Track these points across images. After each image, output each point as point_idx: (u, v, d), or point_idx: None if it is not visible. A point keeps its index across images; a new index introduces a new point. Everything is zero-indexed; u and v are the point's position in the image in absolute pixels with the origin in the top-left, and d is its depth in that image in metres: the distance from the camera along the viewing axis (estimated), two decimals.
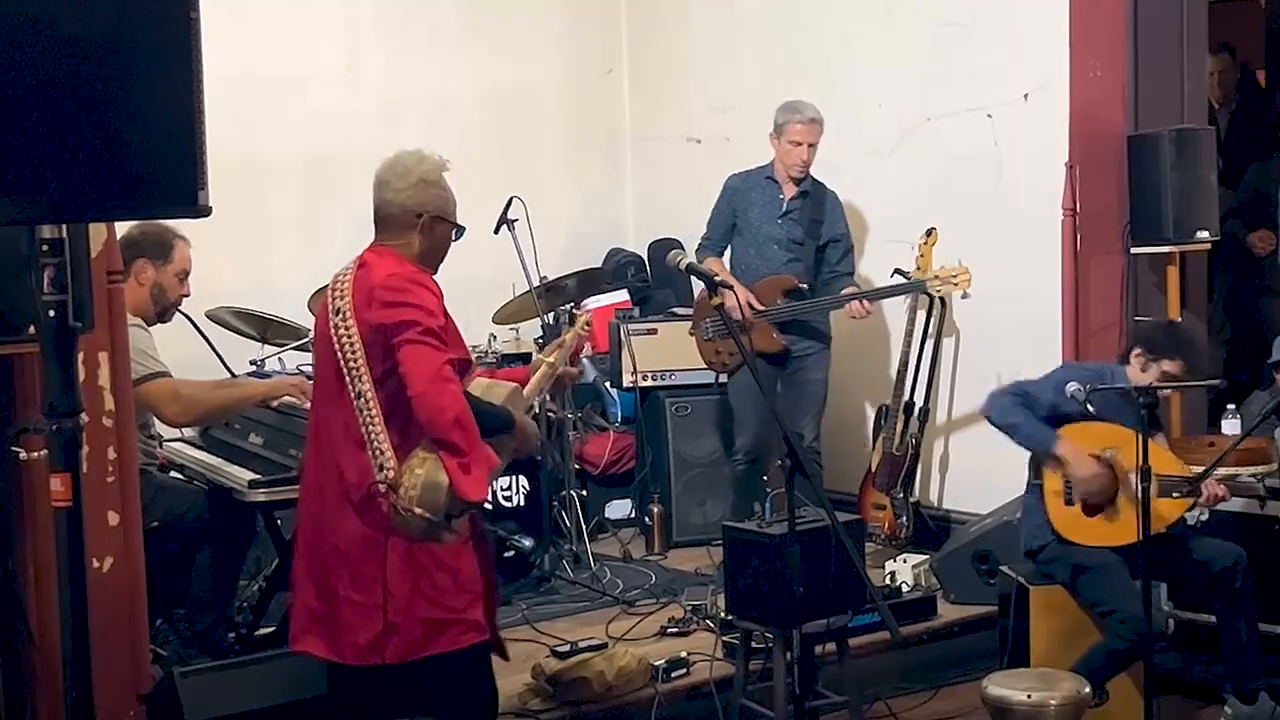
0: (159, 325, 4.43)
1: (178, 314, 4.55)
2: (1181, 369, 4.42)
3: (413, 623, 3.23)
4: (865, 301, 5.40)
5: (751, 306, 5.43)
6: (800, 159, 5.51)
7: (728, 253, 5.70)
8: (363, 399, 3.18)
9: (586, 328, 3.84)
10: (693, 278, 5.03)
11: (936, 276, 5.36)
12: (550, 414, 5.74)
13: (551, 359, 3.65)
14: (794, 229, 5.56)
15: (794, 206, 5.58)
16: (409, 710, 3.45)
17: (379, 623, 3.23)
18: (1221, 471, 4.50)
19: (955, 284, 5.34)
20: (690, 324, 5.90)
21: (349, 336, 3.21)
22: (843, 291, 5.48)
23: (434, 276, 3.38)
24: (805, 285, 5.50)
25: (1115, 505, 4.41)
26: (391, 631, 3.23)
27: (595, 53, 7.50)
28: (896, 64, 6.07)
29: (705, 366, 5.83)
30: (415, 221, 3.32)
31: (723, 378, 5.80)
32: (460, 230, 3.42)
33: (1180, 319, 4.68)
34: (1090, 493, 4.37)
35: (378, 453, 3.15)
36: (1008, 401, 4.42)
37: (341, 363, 3.22)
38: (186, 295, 4.45)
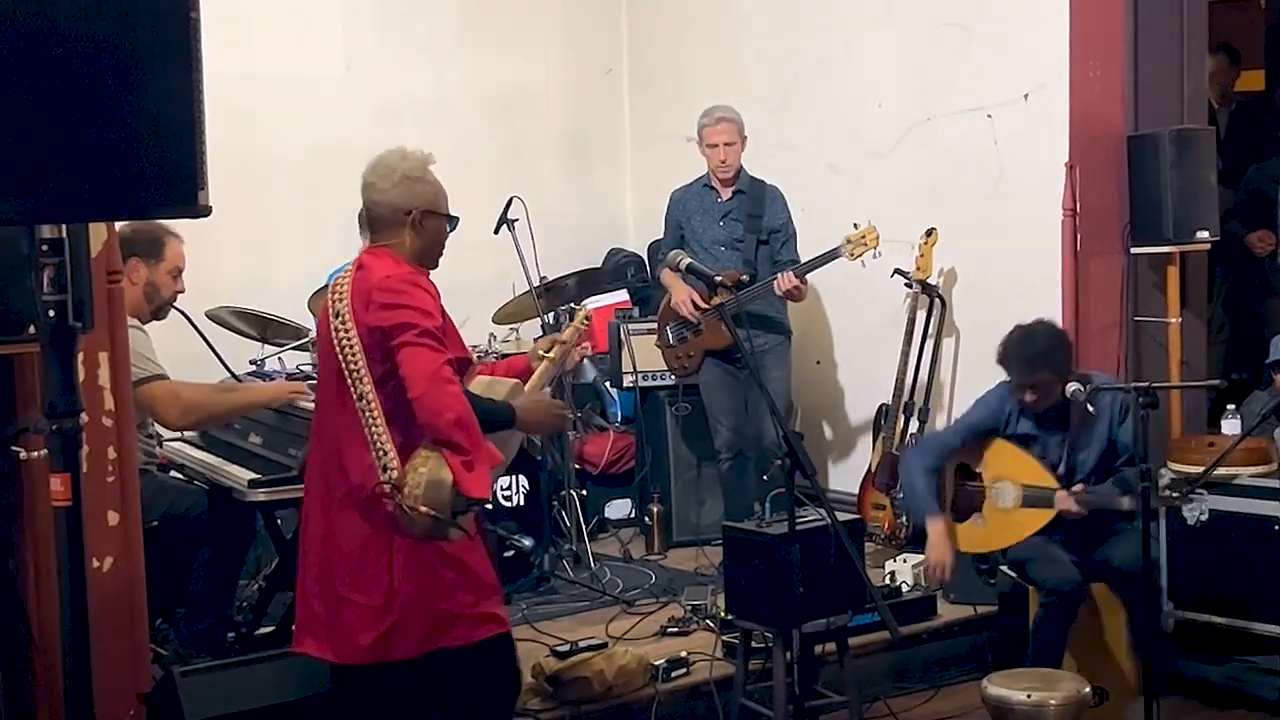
0: (156, 324, 4.43)
1: (179, 316, 4.55)
2: (1012, 376, 4.51)
3: (419, 619, 3.24)
4: (791, 275, 5.41)
5: (695, 303, 5.51)
6: (720, 159, 5.59)
7: None
8: (364, 400, 3.19)
9: (586, 322, 3.85)
10: (692, 277, 5.06)
11: (848, 241, 5.42)
12: None
13: (552, 354, 3.65)
14: (735, 228, 5.64)
15: (731, 207, 5.66)
16: (424, 706, 3.45)
17: (382, 624, 3.23)
18: (1222, 471, 4.51)
19: (866, 245, 5.39)
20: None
21: (348, 339, 3.22)
22: None
23: (434, 273, 3.38)
24: (746, 276, 5.53)
25: (981, 514, 4.59)
26: (396, 631, 3.24)
27: (595, 53, 7.50)
28: (896, 64, 6.07)
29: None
30: (405, 219, 3.32)
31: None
32: (454, 221, 3.42)
33: (1024, 324, 4.62)
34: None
35: (381, 453, 3.15)
36: (909, 462, 4.74)
37: (342, 365, 3.23)
38: (181, 292, 4.45)
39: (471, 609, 3.29)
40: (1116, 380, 4.61)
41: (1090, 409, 4.50)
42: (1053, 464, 4.54)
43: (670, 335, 5.82)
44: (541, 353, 3.67)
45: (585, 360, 5.92)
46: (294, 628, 3.45)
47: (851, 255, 5.44)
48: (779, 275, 5.43)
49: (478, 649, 3.32)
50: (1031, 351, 4.45)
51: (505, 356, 5.82)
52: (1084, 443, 4.56)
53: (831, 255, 5.49)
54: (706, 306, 5.49)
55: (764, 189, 5.68)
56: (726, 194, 5.68)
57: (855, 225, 5.43)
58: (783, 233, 5.65)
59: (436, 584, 3.26)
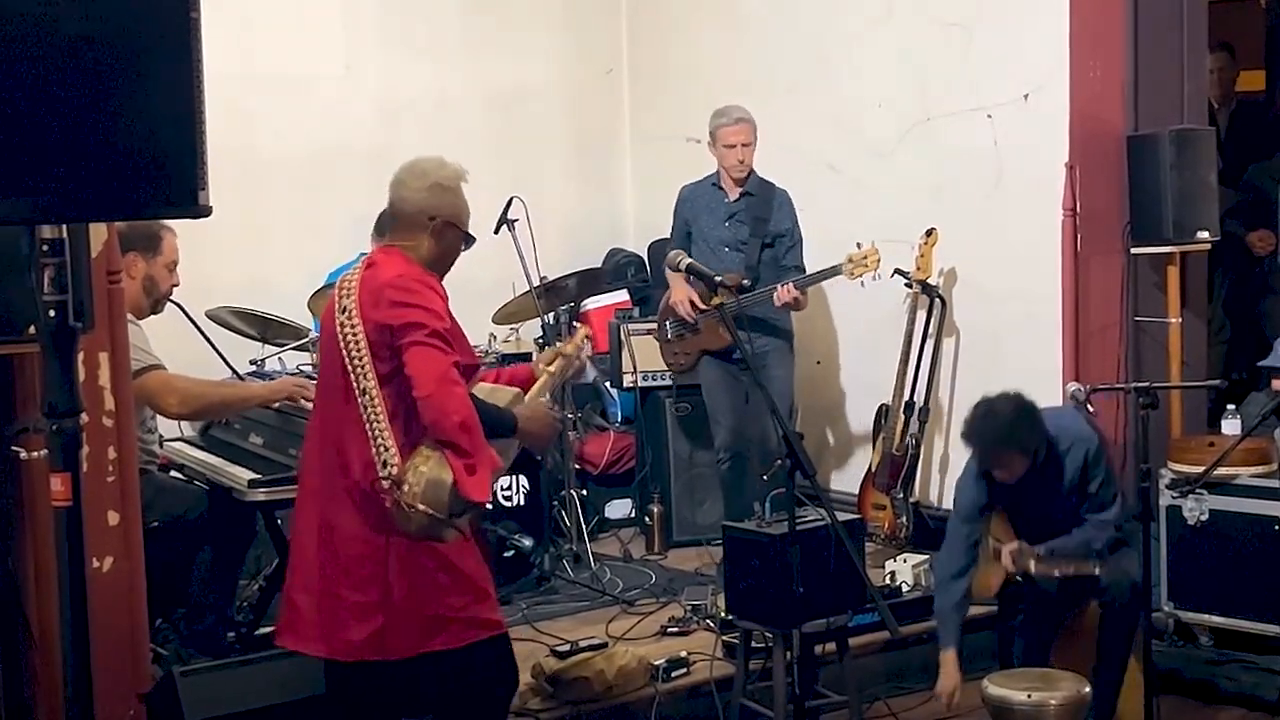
0: (157, 325, 4.43)
1: (181, 316, 4.56)
2: (976, 456, 4.27)
3: (411, 620, 3.24)
4: (790, 287, 5.40)
5: (694, 304, 5.53)
6: (737, 160, 5.57)
7: None
8: (367, 395, 3.20)
9: (587, 339, 3.88)
10: (692, 277, 5.06)
11: (850, 260, 5.42)
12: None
13: (553, 368, 3.67)
14: (740, 230, 5.63)
15: (738, 208, 5.64)
16: (415, 707, 3.45)
17: (376, 620, 3.24)
18: (1222, 471, 4.50)
19: (867, 266, 5.40)
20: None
21: (354, 334, 3.24)
22: None
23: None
24: (747, 281, 5.51)
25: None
26: (389, 629, 3.24)
27: (595, 53, 7.50)
28: (896, 64, 6.07)
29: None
30: (427, 224, 3.35)
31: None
32: (470, 240, 3.45)
33: (988, 400, 4.24)
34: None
35: (382, 449, 3.16)
36: (941, 580, 4.41)
37: (346, 360, 3.24)
38: (176, 285, 4.46)
39: (462, 612, 3.29)
40: (1085, 424, 4.38)
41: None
42: (1029, 516, 4.36)
43: (669, 330, 5.83)
44: (543, 365, 3.69)
45: (585, 360, 5.92)
46: (278, 622, 3.44)
47: (851, 275, 5.44)
48: (779, 287, 5.42)
49: (468, 652, 3.31)
50: (994, 436, 4.16)
51: (505, 357, 5.88)
52: (1051, 494, 4.31)
53: (832, 272, 5.50)
54: (704, 308, 5.49)
55: (773, 192, 5.65)
56: (734, 195, 5.65)
57: (859, 245, 5.43)
58: (788, 238, 5.62)
59: (431, 586, 3.26)
